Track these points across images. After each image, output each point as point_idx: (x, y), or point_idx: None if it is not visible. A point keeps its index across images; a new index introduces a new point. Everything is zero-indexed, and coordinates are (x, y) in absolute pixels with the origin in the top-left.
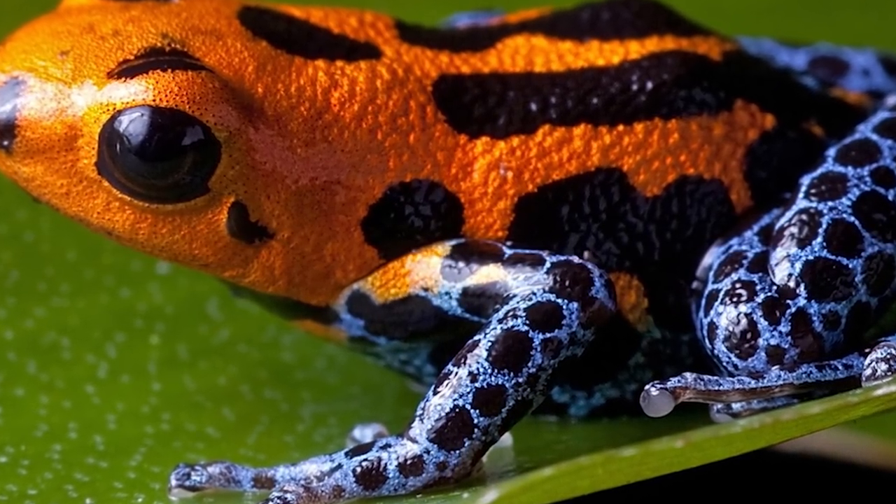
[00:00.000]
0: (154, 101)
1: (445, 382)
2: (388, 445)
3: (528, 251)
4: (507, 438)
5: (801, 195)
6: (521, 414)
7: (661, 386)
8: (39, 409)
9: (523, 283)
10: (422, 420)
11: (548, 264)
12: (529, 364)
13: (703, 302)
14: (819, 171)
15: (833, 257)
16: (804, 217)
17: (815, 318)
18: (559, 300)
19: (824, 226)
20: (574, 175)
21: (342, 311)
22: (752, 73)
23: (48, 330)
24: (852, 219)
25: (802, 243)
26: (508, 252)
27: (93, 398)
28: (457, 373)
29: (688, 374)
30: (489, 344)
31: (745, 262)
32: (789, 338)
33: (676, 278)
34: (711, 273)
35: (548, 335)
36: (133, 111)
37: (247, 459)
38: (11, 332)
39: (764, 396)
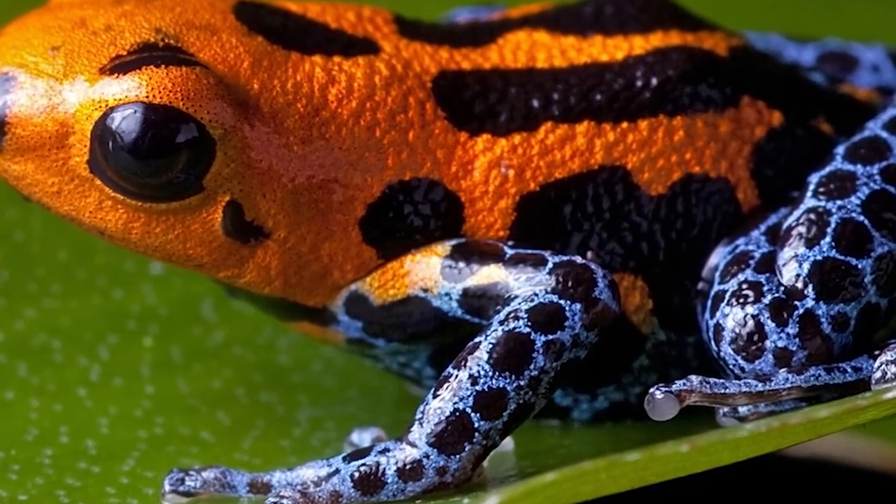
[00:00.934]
0: (147, 97)
1: (445, 385)
2: (386, 450)
3: (529, 251)
4: (508, 443)
5: (809, 194)
6: (523, 418)
7: (666, 389)
8: (30, 412)
9: (525, 284)
10: (421, 424)
11: (550, 264)
12: (531, 366)
13: (709, 303)
14: (827, 169)
15: (842, 257)
16: (812, 216)
17: (823, 320)
18: (562, 301)
19: (833, 225)
20: (577, 173)
21: (340, 312)
22: (760, 69)
23: (39, 331)
24: (861, 218)
25: (810, 243)
26: (510, 252)
27: (85, 401)
28: (457, 375)
29: (693, 377)
30: (490, 346)
31: (751, 262)
32: (797, 340)
33: (682, 279)
34: (717, 273)
35: (550, 337)
36: (126, 108)
37: (242, 464)
38: (1, 334)
39: (771, 400)
